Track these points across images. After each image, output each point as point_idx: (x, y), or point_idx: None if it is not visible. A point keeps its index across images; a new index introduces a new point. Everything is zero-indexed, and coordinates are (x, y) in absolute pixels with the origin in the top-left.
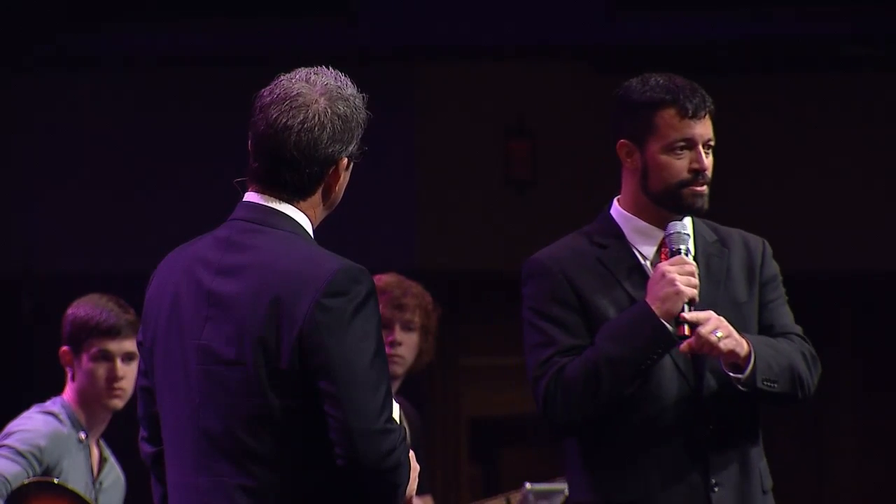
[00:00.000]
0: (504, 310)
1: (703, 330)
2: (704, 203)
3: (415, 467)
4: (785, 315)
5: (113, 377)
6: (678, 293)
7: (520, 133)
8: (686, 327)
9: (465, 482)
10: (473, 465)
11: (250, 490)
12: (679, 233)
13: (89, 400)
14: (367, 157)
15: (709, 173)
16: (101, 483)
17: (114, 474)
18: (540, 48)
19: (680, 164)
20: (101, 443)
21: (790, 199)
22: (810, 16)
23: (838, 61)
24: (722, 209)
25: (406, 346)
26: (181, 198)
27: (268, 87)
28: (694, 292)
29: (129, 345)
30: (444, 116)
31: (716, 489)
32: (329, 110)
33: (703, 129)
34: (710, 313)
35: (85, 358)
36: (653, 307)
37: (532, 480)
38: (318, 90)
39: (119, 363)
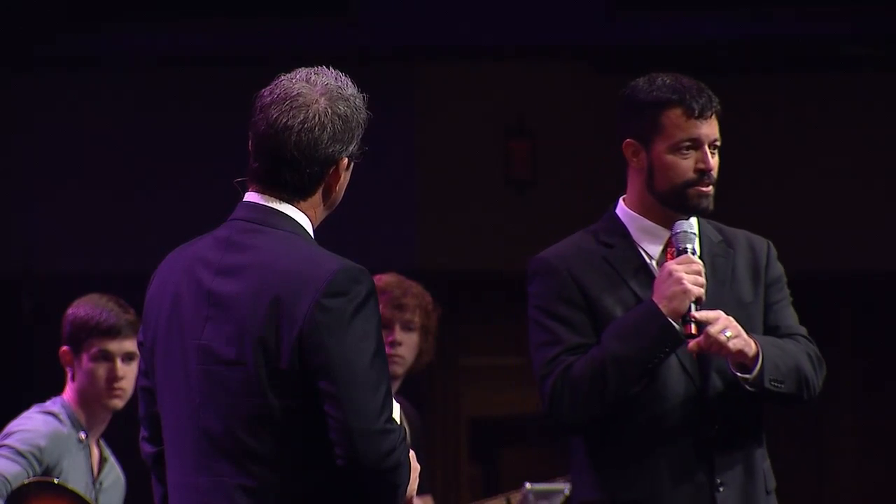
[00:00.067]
0: (504, 310)
1: (713, 329)
2: (710, 203)
3: (415, 467)
4: (790, 316)
5: (113, 377)
6: (685, 292)
7: (520, 133)
8: (693, 326)
9: (465, 482)
10: (473, 465)
11: (250, 490)
12: (686, 232)
13: (89, 400)
14: (367, 157)
15: (714, 173)
16: (101, 483)
17: (114, 474)
18: (540, 48)
19: (686, 164)
20: (102, 443)
21: (790, 199)
22: (810, 16)
23: (838, 61)
24: (722, 209)
25: (406, 346)
26: (181, 198)
27: (268, 87)
28: (701, 291)
29: (130, 345)
30: (444, 116)
31: (721, 489)
32: (329, 110)
33: (709, 129)
34: (720, 313)
35: (85, 358)
36: (660, 306)
37: (532, 480)
38: (319, 90)
39: (119, 363)
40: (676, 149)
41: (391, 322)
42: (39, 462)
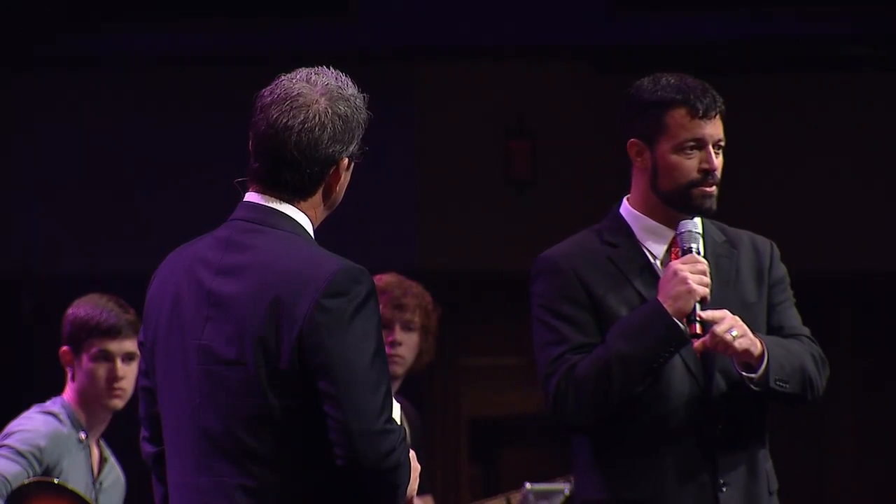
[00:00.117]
0: (504, 310)
1: (719, 329)
2: (713, 204)
3: (416, 467)
4: (793, 317)
5: (113, 377)
6: (690, 292)
7: (520, 133)
8: (698, 326)
9: (465, 482)
10: (473, 465)
11: (250, 490)
12: (690, 231)
13: (89, 400)
14: (367, 157)
15: (718, 173)
16: (101, 483)
17: (114, 474)
18: (540, 48)
19: (690, 164)
20: (102, 443)
21: (790, 199)
22: (810, 16)
23: (838, 61)
24: (722, 209)
25: (406, 346)
26: (181, 198)
27: (268, 87)
28: (706, 291)
29: (130, 345)
30: (444, 116)
31: (724, 489)
32: (330, 110)
33: (714, 129)
34: (726, 312)
35: (85, 358)
36: (665, 305)
37: (532, 480)
38: (319, 90)
39: (119, 363)
40: (680, 149)
41: (391, 322)
42: (39, 462)
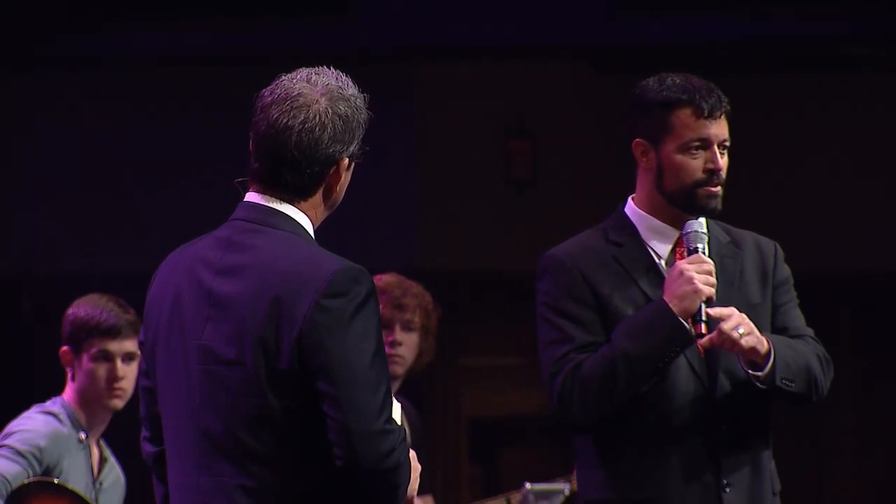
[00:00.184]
0: (504, 310)
1: (726, 326)
2: (718, 204)
3: (416, 467)
4: (798, 317)
5: (113, 377)
6: (696, 291)
7: (520, 133)
8: (703, 326)
9: (465, 482)
10: (473, 465)
11: (250, 490)
12: (696, 231)
13: (89, 400)
14: (368, 157)
15: (724, 174)
16: (101, 483)
17: (114, 474)
18: (540, 48)
19: (695, 164)
20: (102, 443)
21: (790, 199)
22: (810, 16)
23: (838, 61)
24: (722, 209)
25: (406, 346)
26: (181, 198)
27: (269, 87)
28: (711, 291)
29: (130, 345)
30: (444, 116)
31: (727, 489)
32: (330, 110)
33: (719, 129)
34: (733, 310)
35: (85, 358)
36: (671, 305)
37: (532, 480)
38: (320, 90)
39: (119, 363)
40: (686, 149)
41: (391, 322)
42: (39, 462)
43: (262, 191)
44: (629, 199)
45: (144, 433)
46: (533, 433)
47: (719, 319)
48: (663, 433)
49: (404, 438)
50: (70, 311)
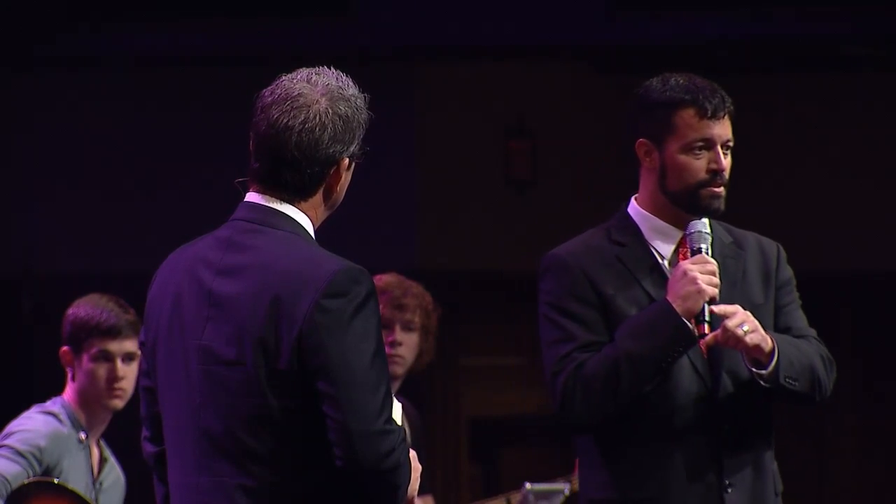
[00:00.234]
0: (504, 310)
1: (730, 323)
2: (721, 204)
3: (416, 468)
4: (800, 318)
5: (113, 377)
6: (700, 292)
7: (520, 133)
8: (706, 326)
9: (465, 482)
10: (473, 465)
11: (250, 490)
12: (700, 232)
13: (89, 400)
14: (368, 157)
15: (727, 174)
16: (101, 483)
17: (114, 474)
18: (540, 48)
19: (698, 165)
20: (102, 443)
21: (790, 199)
22: (810, 16)
23: (838, 61)
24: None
25: (406, 346)
26: (181, 198)
27: (269, 88)
28: (715, 291)
29: (130, 345)
30: (444, 116)
31: (729, 490)
32: (330, 110)
33: (722, 129)
34: (737, 307)
35: (85, 358)
36: (674, 305)
37: (532, 480)
38: (320, 90)
39: (119, 363)
40: (689, 149)
41: (391, 322)
42: (39, 462)
43: (262, 191)
44: (632, 200)
45: (145, 433)
46: (533, 433)
47: (723, 317)
48: (666, 433)
49: (404, 439)
50: (70, 311)
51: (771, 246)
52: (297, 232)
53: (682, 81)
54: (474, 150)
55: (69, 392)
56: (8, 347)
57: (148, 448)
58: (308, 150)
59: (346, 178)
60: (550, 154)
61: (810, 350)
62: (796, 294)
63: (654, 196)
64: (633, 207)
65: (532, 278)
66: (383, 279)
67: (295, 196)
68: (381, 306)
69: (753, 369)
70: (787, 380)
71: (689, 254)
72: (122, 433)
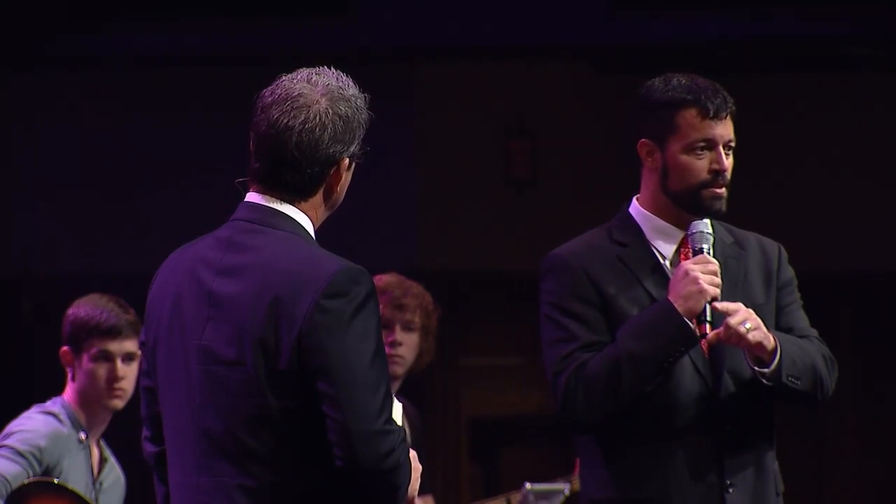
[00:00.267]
0: (504, 310)
1: (733, 321)
2: (722, 206)
3: (417, 468)
4: (802, 318)
5: (113, 377)
6: (701, 292)
7: (520, 133)
8: (708, 326)
9: (465, 482)
10: (473, 465)
11: (250, 490)
12: (702, 232)
13: (89, 400)
14: (368, 157)
15: (728, 174)
16: (101, 483)
17: (114, 474)
18: (540, 48)
19: (700, 165)
20: (102, 443)
21: (790, 199)
22: (810, 16)
23: (838, 61)
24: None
25: (406, 346)
26: (181, 198)
27: (269, 88)
28: (717, 291)
29: (130, 345)
30: (444, 116)
31: (730, 490)
32: (330, 111)
33: (724, 129)
34: (739, 305)
35: (85, 358)
36: (676, 305)
37: (532, 480)
38: (320, 90)
39: (119, 363)
40: (691, 149)
41: (391, 322)
42: (39, 462)
43: (262, 191)
44: (633, 200)
45: (146, 433)
46: (533, 433)
47: (726, 314)
48: (667, 433)
49: (404, 439)
50: (70, 311)
51: (772, 246)
52: (298, 232)
53: (684, 81)
54: (474, 150)
55: (69, 392)
56: (8, 347)
57: (148, 448)
58: (308, 150)
59: (346, 178)
60: (550, 154)
61: (812, 349)
62: (798, 294)
63: (655, 196)
64: (635, 207)
65: (532, 278)
66: (383, 279)
67: (295, 196)
68: (381, 306)
69: (756, 368)
70: (790, 378)
71: (690, 254)
72: (122, 433)
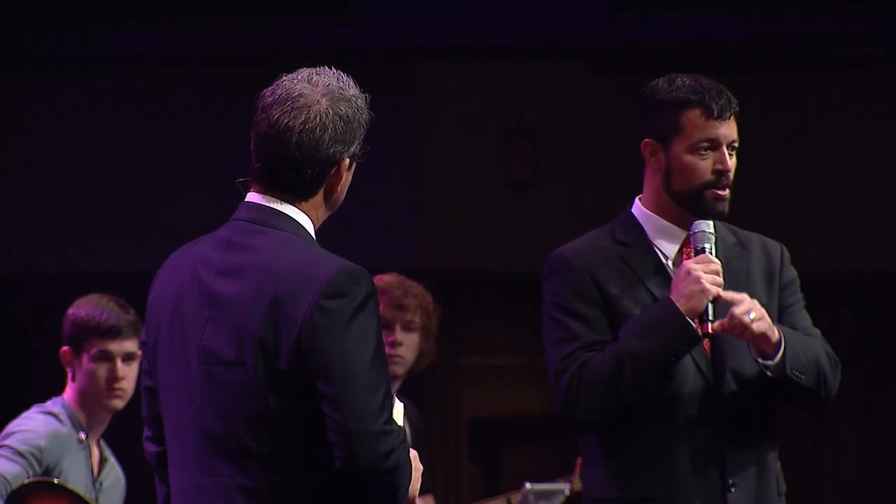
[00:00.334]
0: (504, 310)
1: (737, 310)
2: (725, 208)
3: (418, 468)
4: (804, 318)
5: (113, 377)
6: (703, 291)
7: (520, 133)
8: (710, 325)
9: (465, 482)
10: (473, 465)
11: (250, 490)
12: (704, 232)
13: (90, 400)
14: (368, 156)
15: (731, 175)
16: (101, 483)
17: (114, 474)
18: (540, 48)
19: (704, 165)
20: (102, 443)
21: (790, 199)
22: (810, 16)
23: (838, 61)
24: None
25: (407, 346)
26: (182, 198)
27: (270, 88)
28: (718, 291)
29: (130, 345)
30: (444, 116)
31: (732, 489)
32: (331, 111)
33: (728, 129)
34: (744, 295)
35: (85, 358)
36: (678, 304)
37: (532, 480)
38: (320, 91)
39: (119, 363)
40: (695, 149)
41: (392, 322)
42: (39, 462)
43: (263, 191)
44: (636, 200)
45: (147, 433)
46: (533, 433)
47: (731, 304)
48: (669, 432)
49: (404, 439)
50: (70, 311)
51: (775, 247)
52: (298, 232)
53: (688, 82)
54: (474, 150)
55: (69, 392)
56: (8, 347)
57: (150, 448)
58: (309, 150)
59: (346, 178)
60: (550, 154)
61: (816, 346)
62: (800, 295)
63: (658, 196)
64: (637, 208)
65: (532, 278)
66: (384, 279)
67: (296, 196)
68: (381, 306)
69: (759, 360)
70: (794, 371)
71: (692, 253)
72: (122, 433)
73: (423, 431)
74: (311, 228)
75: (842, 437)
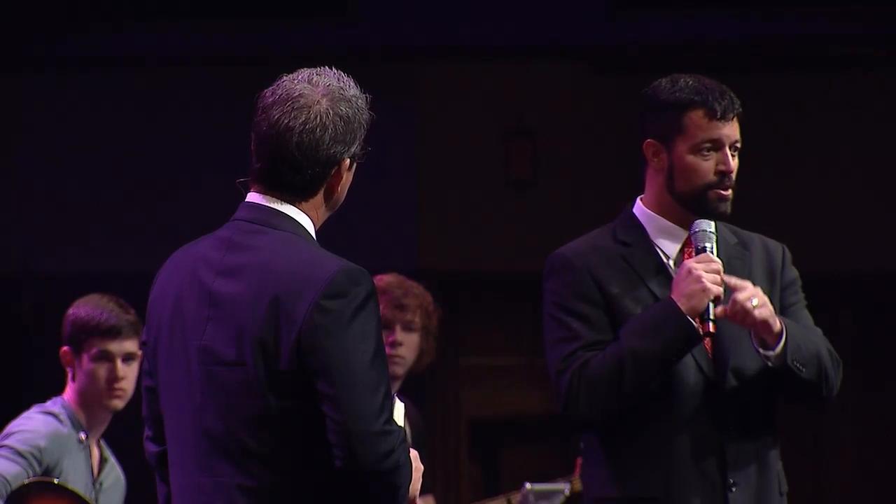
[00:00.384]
0: (504, 310)
1: (740, 297)
2: (727, 208)
3: (418, 468)
4: (806, 318)
5: (113, 378)
6: (704, 290)
7: (520, 133)
8: (711, 324)
9: (465, 482)
10: (473, 465)
11: (250, 490)
12: (705, 231)
13: (90, 400)
14: (368, 157)
15: (734, 175)
16: (101, 483)
17: (114, 474)
18: (540, 48)
19: (707, 166)
20: (102, 443)
21: (790, 199)
22: (810, 16)
23: (838, 61)
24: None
25: (407, 346)
26: (182, 198)
27: (270, 88)
28: (720, 290)
29: (130, 345)
30: (444, 116)
31: (733, 489)
32: (331, 111)
33: (731, 130)
34: (747, 282)
35: (85, 358)
36: (679, 304)
37: (532, 480)
38: (321, 91)
39: (119, 364)
40: (698, 150)
41: (392, 322)
42: (39, 462)
43: (263, 191)
44: (637, 200)
45: (147, 433)
46: (533, 433)
47: (733, 290)
48: (670, 431)
49: (404, 439)
50: (70, 311)
51: (776, 247)
52: (298, 232)
53: (691, 82)
54: (474, 150)
55: (69, 392)
56: (8, 347)
57: (150, 448)
58: (309, 150)
59: (347, 178)
60: (550, 154)
61: (818, 340)
62: (802, 295)
63: (660, 197)
64: (639, 208)
65: (532, 278)
66: (384, 279)
67: (296, 196)
68: (381, 306)
69: (761, 350)
70: (795, 363)
71: (694, 253)
72: (122, 433)
73: (423, 431)
74: (311, 228)
75: (842, 437)
